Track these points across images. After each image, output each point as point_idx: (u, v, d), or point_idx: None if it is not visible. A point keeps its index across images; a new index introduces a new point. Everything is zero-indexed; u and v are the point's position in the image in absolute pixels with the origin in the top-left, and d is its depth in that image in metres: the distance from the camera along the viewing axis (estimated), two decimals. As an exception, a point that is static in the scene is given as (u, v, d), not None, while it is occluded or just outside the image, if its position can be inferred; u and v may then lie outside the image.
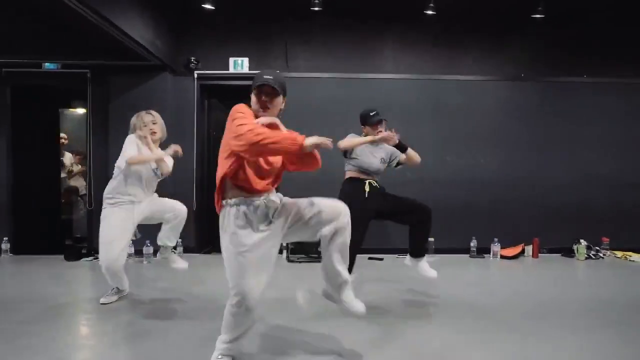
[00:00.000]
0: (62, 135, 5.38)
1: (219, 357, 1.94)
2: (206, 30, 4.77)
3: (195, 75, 4.72)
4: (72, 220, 5.58)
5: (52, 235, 5.03)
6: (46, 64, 4.47)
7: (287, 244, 4.30)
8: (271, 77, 1.86)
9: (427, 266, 3.02)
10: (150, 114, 3.07)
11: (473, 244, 4.74)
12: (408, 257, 3.13)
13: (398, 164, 3.14)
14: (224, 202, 1.89)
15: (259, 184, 1.87)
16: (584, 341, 2.31)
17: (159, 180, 3.07)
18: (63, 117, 5.81)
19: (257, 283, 1.84)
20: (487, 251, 4.71)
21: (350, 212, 2.25)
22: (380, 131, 2.97)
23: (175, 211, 3.06)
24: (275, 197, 1.94)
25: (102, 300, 2.92)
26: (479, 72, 4.89)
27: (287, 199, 2.00)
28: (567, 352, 2.18)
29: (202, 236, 4.79)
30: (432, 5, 4.17)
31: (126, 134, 2.99)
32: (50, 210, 5.16)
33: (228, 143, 1.80)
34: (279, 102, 1.91)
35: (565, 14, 4.72)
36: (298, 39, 4.80)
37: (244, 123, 1.74)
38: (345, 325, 2.40)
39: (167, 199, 3.13)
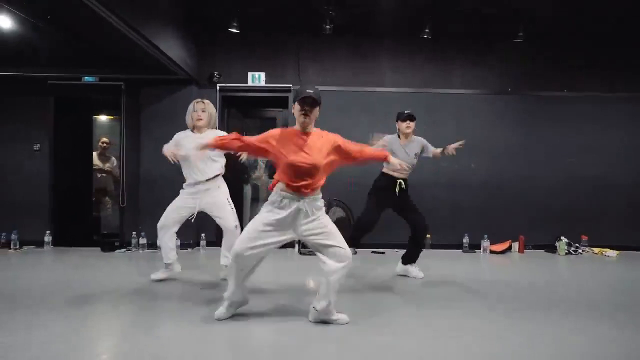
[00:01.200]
0: (104, 139, 5.71)
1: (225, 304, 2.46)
2: (228, 47, 5.20)
3: (218, 88, 5.13)
4: (100, 217, 6.06)
5: (87, 230, 5.46)
6: (85, 77, 4.90)
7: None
8: (312, 92, 2.34)
9: (415, 270, 3.54)
10: (202, 102, 3.23)
11: (465, 240, 5.10)
12: (399, 264, 3.59)
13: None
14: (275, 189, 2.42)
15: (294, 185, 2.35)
16: (557, 319, 2.63)
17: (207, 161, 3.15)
18: (97, 124, 6.14)
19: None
20: (478, 247, 5.06)
21: (375, 199, 3.09)
22: (410, 126, 3.44)
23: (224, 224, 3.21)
24: (311, 206, 2.36)
25: (152, 276, 3.31)
26: (469, 86, 5.27)
27: (322, 217, 2.41)
28: (544, 330, 2.43)
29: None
30: (427, 30, 4.61)
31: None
32: (85, 208, 5.58)
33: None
34: (317, 111, 2.41)
35: (545, 36, 5.16)
36: (309, 56, 5.24)
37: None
38: (345, 301, 2.74)
39: (228, 209, 3.23)
